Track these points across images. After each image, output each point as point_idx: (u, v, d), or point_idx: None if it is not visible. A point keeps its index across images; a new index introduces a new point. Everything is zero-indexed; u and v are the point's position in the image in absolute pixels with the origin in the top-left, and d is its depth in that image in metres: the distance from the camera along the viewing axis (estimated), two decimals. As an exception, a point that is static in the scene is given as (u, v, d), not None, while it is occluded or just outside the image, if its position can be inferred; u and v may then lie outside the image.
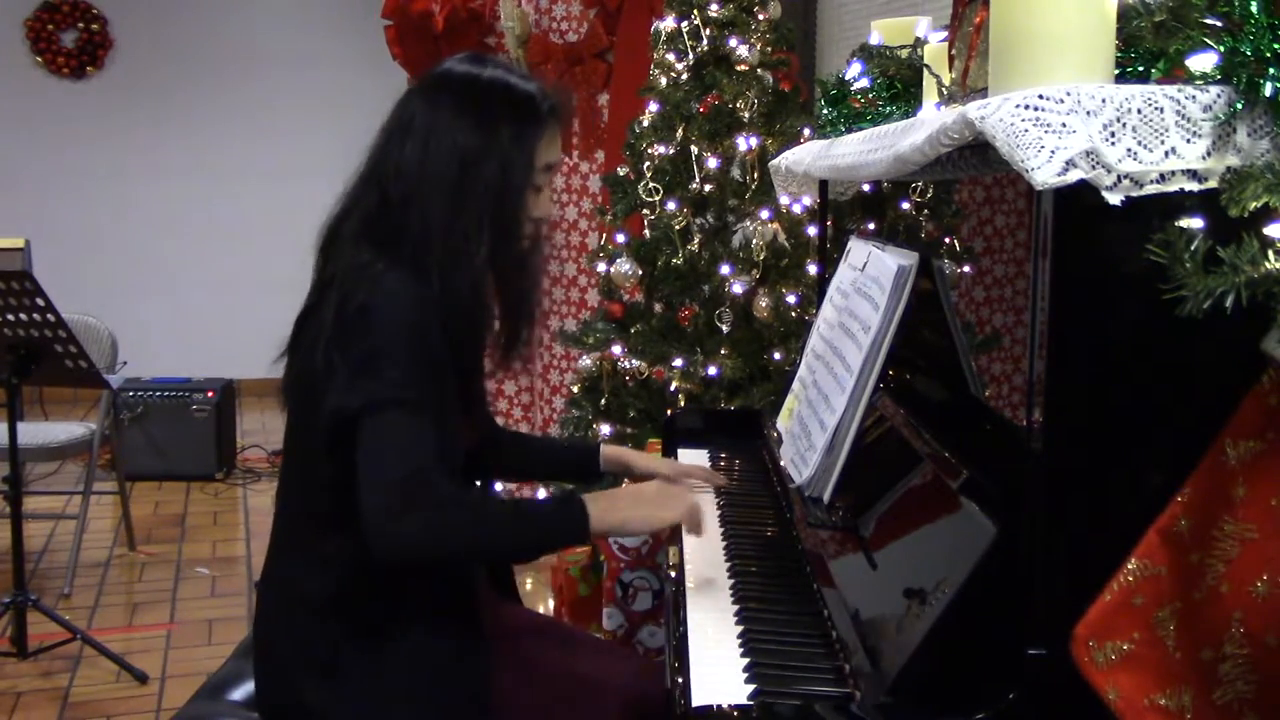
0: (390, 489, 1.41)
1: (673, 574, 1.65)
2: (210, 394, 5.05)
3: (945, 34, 1.62)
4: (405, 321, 1.46)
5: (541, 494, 3.49)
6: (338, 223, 1.60)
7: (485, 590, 1.78)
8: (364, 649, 1.54)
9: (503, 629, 1.71)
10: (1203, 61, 1.04)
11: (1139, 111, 1.02)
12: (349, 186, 1.61)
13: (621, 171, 3.20)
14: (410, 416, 1.43)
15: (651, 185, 3.05)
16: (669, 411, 2.62)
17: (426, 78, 1.62)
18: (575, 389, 3.26)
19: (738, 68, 3.03)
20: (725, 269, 2.96)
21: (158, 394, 5.04)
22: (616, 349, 3.07)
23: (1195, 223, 1.02)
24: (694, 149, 3.04)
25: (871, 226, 2.39)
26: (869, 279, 1.72)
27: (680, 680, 1.29)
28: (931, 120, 1.19)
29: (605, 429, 3.09)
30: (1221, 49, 1.02)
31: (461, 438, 1.61)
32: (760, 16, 3.07)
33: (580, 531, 1.52)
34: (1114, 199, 1.01)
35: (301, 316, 1.59)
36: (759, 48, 3.04)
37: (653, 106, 3.13)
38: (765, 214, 2.98)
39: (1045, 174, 1.00)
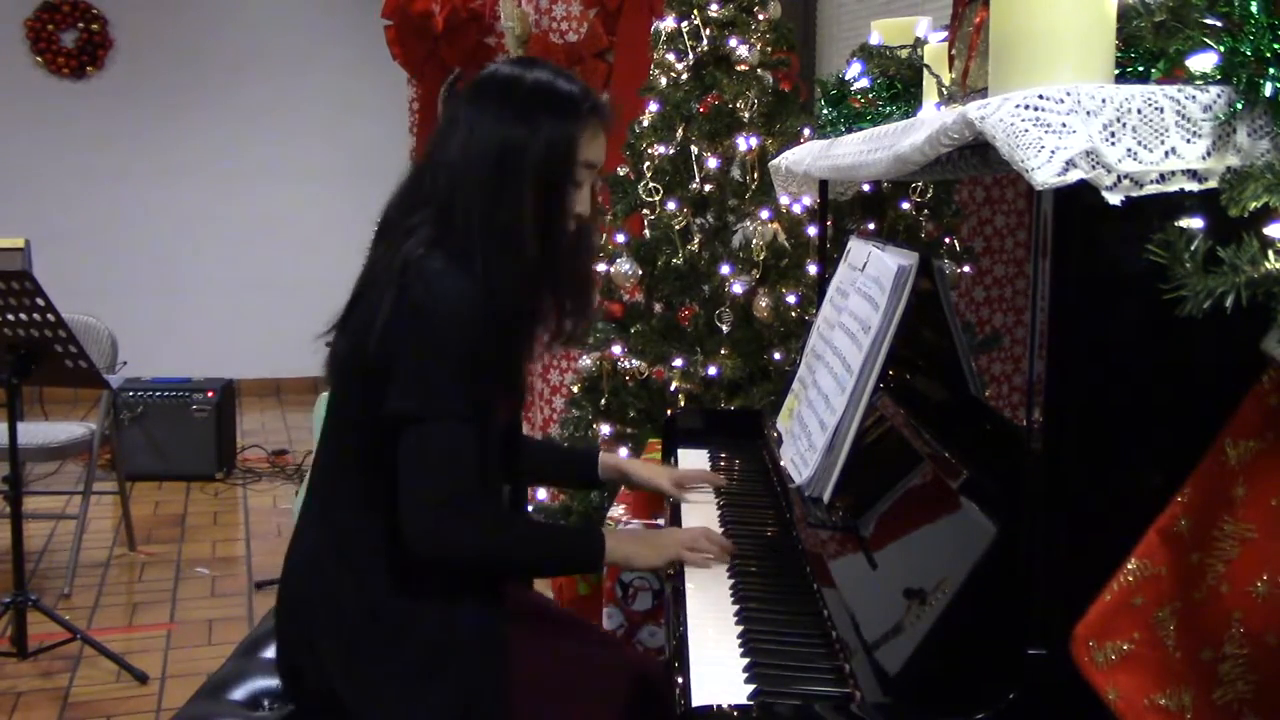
0: (434, 501, 1.52)
1: (672, 574, 1.65)
2: (210, 394, 5.05)
3: (945, 34, 1.62)
4: (460, 321, 1.52)
5: (541, 494, 3.49)
6: (392, 211, 1.65)
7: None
8: (388, 627, 1.58)
9: (516, 616, 1.73)
10: (1203, 61, 1.04)
11: (1139, 111, 1.02)
12: (404, 178, 1.67)
13: (621, 171, 3.20)
14: (460, 428, 1.53)
15: (651, 185, 3.05)
16: (669, 411, 2.62)
17: (474, 80, 1.69)
18: (575, 389, 3.26)
19: (738, 68, 3.03)
20: (725, 269, 2.96)
21: (158, 394, 5.04)
22: (616, 349, 3.07)
23: (1195, 223, 1.02)
24: (694, 149, 3.04)
25: (871, 226, 2.39)
26: (869, 279, 1.72)
27: (680, 680, 1.29)
28: (931, 120, 1.19)
29: (605, 429, 3.09)
30: (1221, 49, 1.02)
31: (503, 416, 1.69)
32: (760, 16, 3.07)
33: (596, 562, 1.66)
34: (1114, 199, 1.01)
35: (352, 299, 1.65)
36: (759, 48, 3.04)
37: (653, 106, 3.13)
38: (765, 214, 2.98)
39: (1045, 174, 1.00)
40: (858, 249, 1.88)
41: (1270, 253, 0.93)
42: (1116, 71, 1.12)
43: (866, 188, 2.34)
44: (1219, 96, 1.02)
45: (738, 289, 2.94)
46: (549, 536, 1.81)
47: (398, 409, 1.52)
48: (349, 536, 1.62)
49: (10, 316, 3.10)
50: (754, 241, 2.97)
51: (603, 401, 3.13)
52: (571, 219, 1.65)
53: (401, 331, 1.52)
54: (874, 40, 2.03)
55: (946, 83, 1.54)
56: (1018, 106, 1.02)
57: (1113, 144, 1.01)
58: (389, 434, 1.53)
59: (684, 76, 3.09)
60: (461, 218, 1.56)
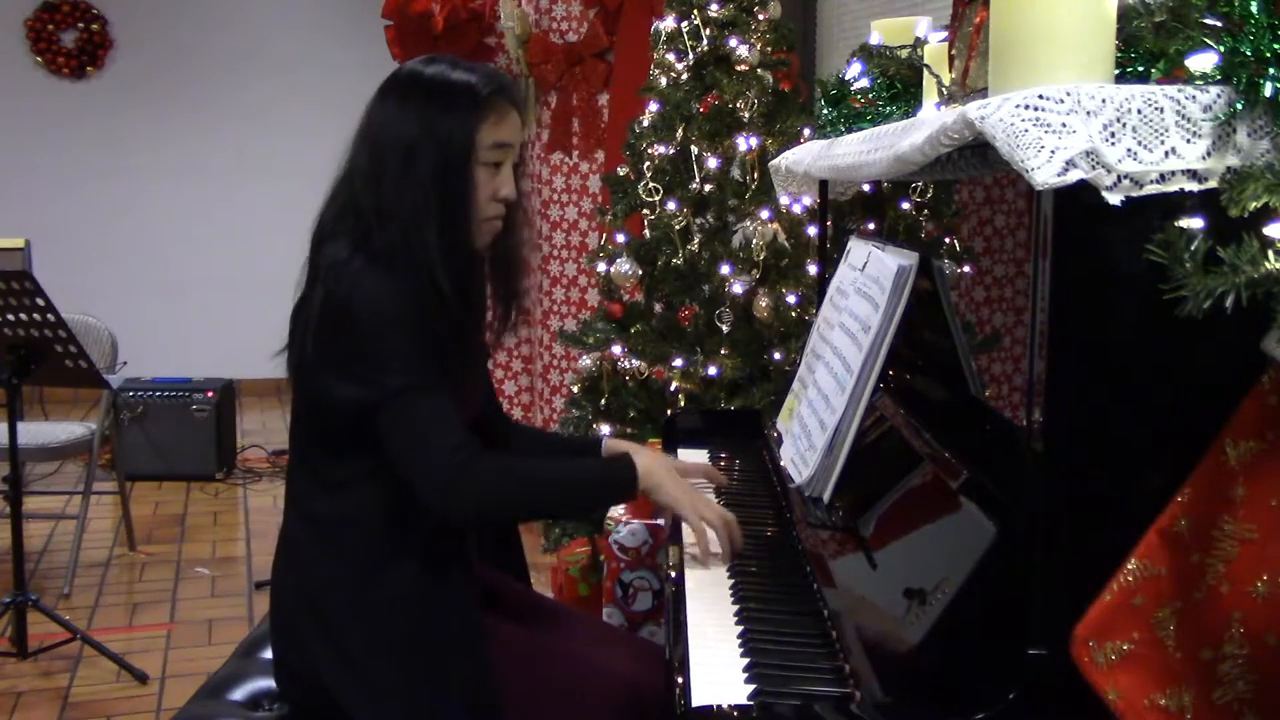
0: (439, 470, 1.55)
1: (673, 574, 1.65)
2: (210, 394, 5.05)
3: (945, 34, 1.62)
4: (388, 317, 1.55)
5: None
6: (320, 220, 1.68)
7: (493, 571, 1.85)
8: (366, 615, 1.61)
9: (510, 611, 1.75)
10: (1203, 61, 1.04)
11: (1139, 111, 1.02)
12: (332, 185, 1.70)
13: (621, 171, 3.20)
14: (427, 397, 1.56)
15: (651, 185, 3.05)
16: (669, 411, 2.62)
17: (384, 81, 1.71)
18: (575, 389, 3.25)
19: (738, 68, 3.03)
20: (725, 269, 2.96)
21: (158, 394, 5.04)
22: (616, 349, 3.07)
23: (1195, 223, 1.02)
24: (694, 149, 3.04)
25: (871, 226, 2.39)
26: (869, 279, 1.72)
27: (680, 680, 1.29)
28: (931, 120, 1.19)
29: (605, 429, 3.09)
30: (1221, 49, 1.02)
31: (460, 415, 1.68)
32: (760, 16, 3.07)
33: (630, 482, 1.65)
34: (1114, 199, 1.01)
35: (295, 309, 1.67)
36: (759, 48, 3.04)
37: (653, 106, 3.13)
38: (765, 214, 2.98)
39: (1045, 174, 1.00)
40: (858, 249, 1.88)
41: (1270, 253, 0.93)
42: (1116, 71, 1.12)
43: (866, 188, 2.34)
44: (1219, 96, 1.02)
45: (738, 289, 2.94)
46: (575, 465, 1.78)
47: (358, 399, 1.55)
48: (320, 528, 1.66)
49: (10, 316, 3.09)
50: (754, 241, 2.96)
51: (603, 401, 3.13)
52: (494, 203, 1.65)
53: (332, 333, 1.57)
54: (874, 40, 2.03)
55: (946, 83, 1.54)
56: (1018, 106, 1.02)
57: (1113, 144, 1.01)
58: (349, 430, 1.58)
59: (684, 76, 3.09)
60: (375, 219, 1.59)
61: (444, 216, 1.59)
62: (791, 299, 2.90)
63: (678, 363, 2.95)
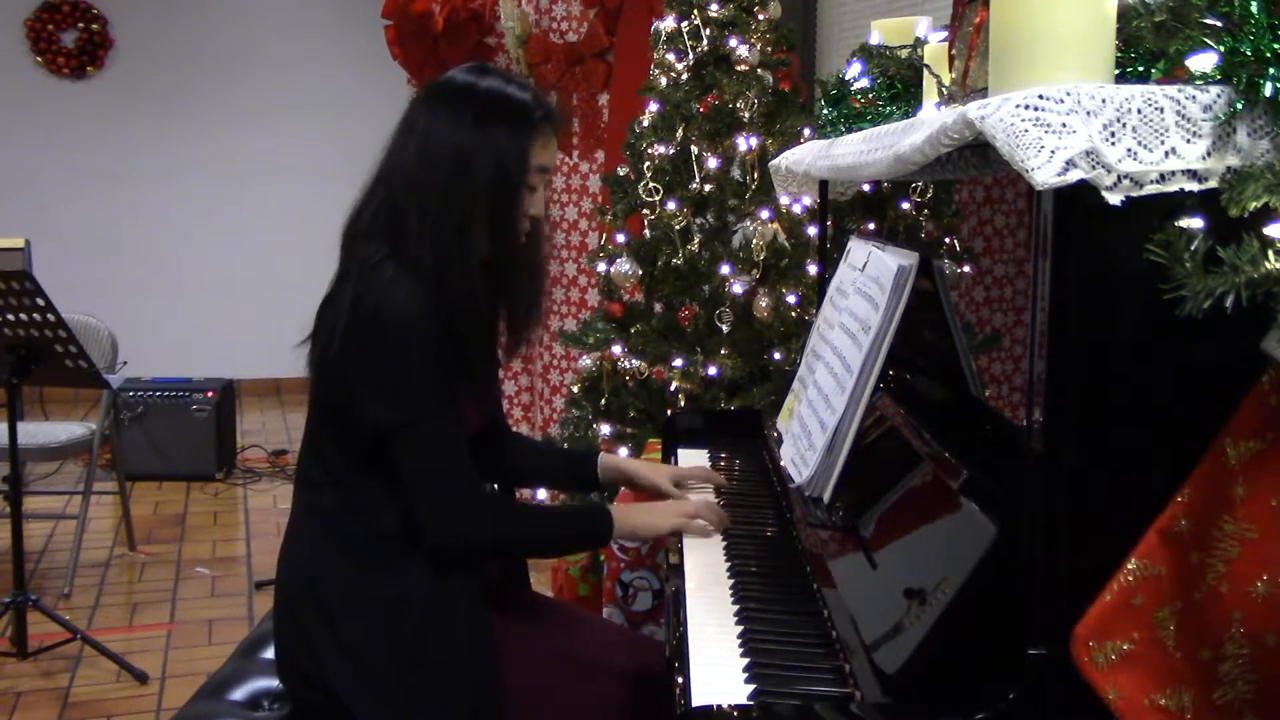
0: (448, 502, 1.61)
1: (673, 574, 1.66)
2: (210, 394, 5.05)
3: (945, 34, 1.62)
4: (412, 330, 1.56)
5: (541, 495, 3.49)
6: (354, 219, 1.69)
7: (496, 574, 1.86)
8: (371, 611, 1.61)
9: (512, 610, 1.76)
10: (1203, 61, 1.04)
11: (1139, 111, 1.02)
12: (365, 185, 1.70)
13: (621, 171, 3.20)
14: (443, 427, 1.60)
15: (651, 185, 3.05)
16: (669, 411, 2.62)
17: (430, 86, 1.72)
18: (575, 389, 3.25)
19: (738, 68, 3.03)
20: (725, 269, 2.96)
21: (158, 394, 5.04)
22: (616, 349, 3.07)
23: (1195, 223, 1.02)
24: (694, 149, 3.03)
25: (871, 226, 2.39)
26: (869, 279, 1.72)
27: (680, 680, 1.29)
28: (931, 120, 1.19)
29: (605, 429, 3.09)
30: (1221, 49, 1.02)
31: (474, 419, 1.73)
32: (760, 16, 3.07)
33: (605, 533, 1.73)
34: (1114, 199, 1.01)
35: (323, 305, 1.68)
36: (759, 48, 3.04)
37: (653, 106, 3.13)
38: (765, 214, 2.98)
39: (1045, 174, 1.00)
40: (858, 249, 1.88)
41: (1270, 253, 0.93)
42: (1116, 71, 1.12)
43: (866, 188, 2.34)
44: (1219, 96, 1.02)
45: (738, 289, 2.94)
46: (560, 517, 1.94)
47: (377, 421, 1.58)
48: (327, 522, 1.67)
49: (10, 316, 3.09)
50: (754, 241, 2.96)
51: (603, 401, 3.13)
52: (526, 220, 1.68)
53: (358, 341, 1.58)
54: (874, 40, 2.03)
55: (946, 83, 1.54)
56: (1018, 106, 1.02)
57: (1113, 144, 1.01)
58: (367, 437, 1.60)
59: (684, 76, 3.09)
60: (415, 224, 1.60)
61: (490, 230, 1.62)
62: (791, 299, 2.90)
63: (678, 363, 2.95)
